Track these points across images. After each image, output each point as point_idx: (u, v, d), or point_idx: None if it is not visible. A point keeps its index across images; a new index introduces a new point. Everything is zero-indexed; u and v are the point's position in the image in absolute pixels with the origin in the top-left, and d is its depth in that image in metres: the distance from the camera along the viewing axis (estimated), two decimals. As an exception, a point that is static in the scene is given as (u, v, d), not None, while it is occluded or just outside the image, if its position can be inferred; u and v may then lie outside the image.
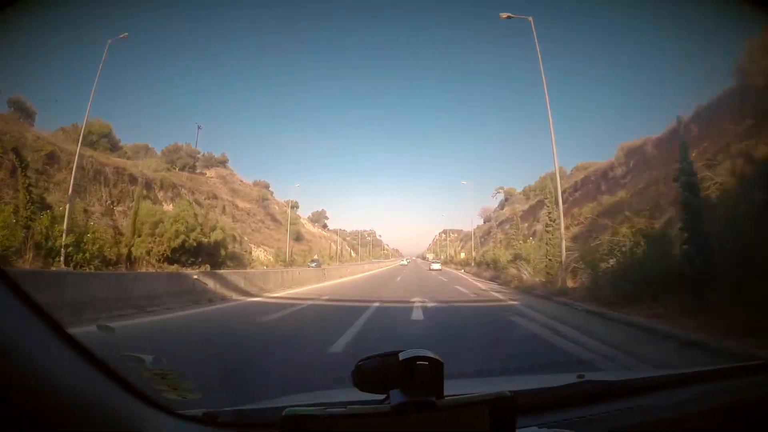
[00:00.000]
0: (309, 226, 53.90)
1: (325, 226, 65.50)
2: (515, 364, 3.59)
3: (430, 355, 0.72)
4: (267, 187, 51.48)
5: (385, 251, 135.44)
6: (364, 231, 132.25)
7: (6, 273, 0.71)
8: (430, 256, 78.38)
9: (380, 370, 0.74)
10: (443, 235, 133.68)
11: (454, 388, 0.79)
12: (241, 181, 44.21)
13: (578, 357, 4.22)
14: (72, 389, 0.73)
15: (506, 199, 52.08)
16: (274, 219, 41.98)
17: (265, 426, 0.96)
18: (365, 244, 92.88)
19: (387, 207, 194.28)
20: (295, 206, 54.90)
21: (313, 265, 30.11)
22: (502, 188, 53.91)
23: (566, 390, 1.20)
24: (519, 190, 50.17)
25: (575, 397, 1.17)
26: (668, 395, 1.22)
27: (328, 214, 64.36)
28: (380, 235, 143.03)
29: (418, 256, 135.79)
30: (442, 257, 63.03)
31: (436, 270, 37.85)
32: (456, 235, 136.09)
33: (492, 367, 3.39)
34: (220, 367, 3.26)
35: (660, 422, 1.08)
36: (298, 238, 45.80)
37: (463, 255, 47.14)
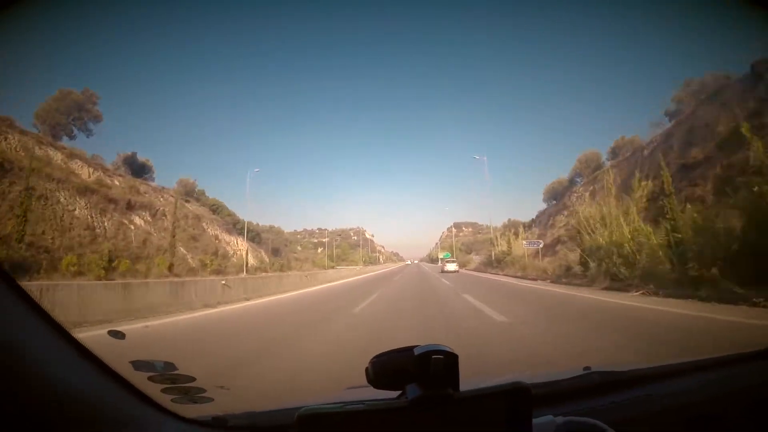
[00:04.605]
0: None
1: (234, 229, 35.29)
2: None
3: (445, 348, 0.70)
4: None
5: (379, 254, 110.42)
6: (350, 229, 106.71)
7: (13, 280, 0.69)
8: (442, 255, 52.38)
9: (395, 366, 0.72)
10: (453, 230, 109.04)
11: (464, 384, 0.74)
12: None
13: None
14: (81, 396, 0.72)
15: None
16: None
17: (278, 428, 0.92)
18: (304, 245, 62.62)
19: (385, 208, 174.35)
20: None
21: None
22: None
23: (574, 381, 1.18)
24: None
25: (583, 388, 1.15)
26: (676, 384, 1.21)
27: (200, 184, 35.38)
28: (372, 235, 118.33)
29: (422, 259, 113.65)
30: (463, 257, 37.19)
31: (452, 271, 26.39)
32: (470, 229, 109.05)
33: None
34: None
35: (668, 410, 1.08)
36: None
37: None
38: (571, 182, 31.53)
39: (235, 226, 36.89)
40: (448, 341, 1.37)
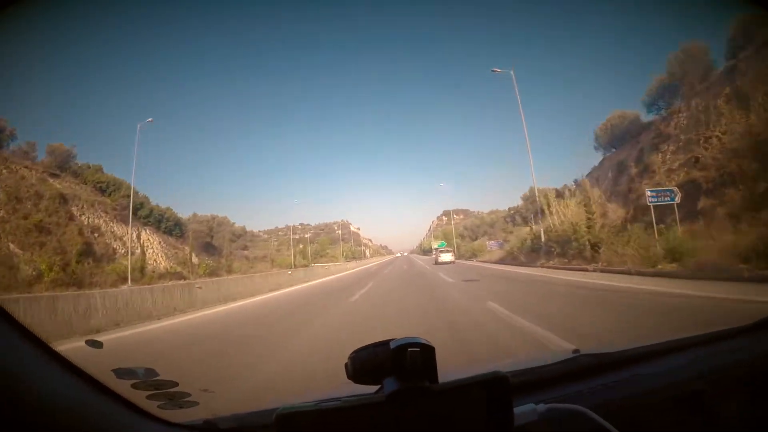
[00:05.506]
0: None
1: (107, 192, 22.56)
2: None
3: (421, 341, 0.71)
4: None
5: (365, 247, 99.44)
6: (334, 223, 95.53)
7: None
8: (437, 245, 42.23)
9: (372, 360, 0.72)
10: (444, 219, 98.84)
11: (448, 374, 0.75)
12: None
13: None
14: (65, 408, 0.69)
15: None
16: None
17: (266, 428, 0.91)
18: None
19: (373, 201, 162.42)
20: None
21: None
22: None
23: (562, 365, 1.18)
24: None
25: (571, 371, 1.15)
26: (664, 362, 1.22)
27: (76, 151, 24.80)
28: (358, 228, 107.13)
29: (412, 251, 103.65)
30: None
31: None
32: (462, 216, 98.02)
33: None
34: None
35: (657, 388, 1.09)
36: None
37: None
38: (652, 107, 20.75)
39: (149, 216, 24.85)
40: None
